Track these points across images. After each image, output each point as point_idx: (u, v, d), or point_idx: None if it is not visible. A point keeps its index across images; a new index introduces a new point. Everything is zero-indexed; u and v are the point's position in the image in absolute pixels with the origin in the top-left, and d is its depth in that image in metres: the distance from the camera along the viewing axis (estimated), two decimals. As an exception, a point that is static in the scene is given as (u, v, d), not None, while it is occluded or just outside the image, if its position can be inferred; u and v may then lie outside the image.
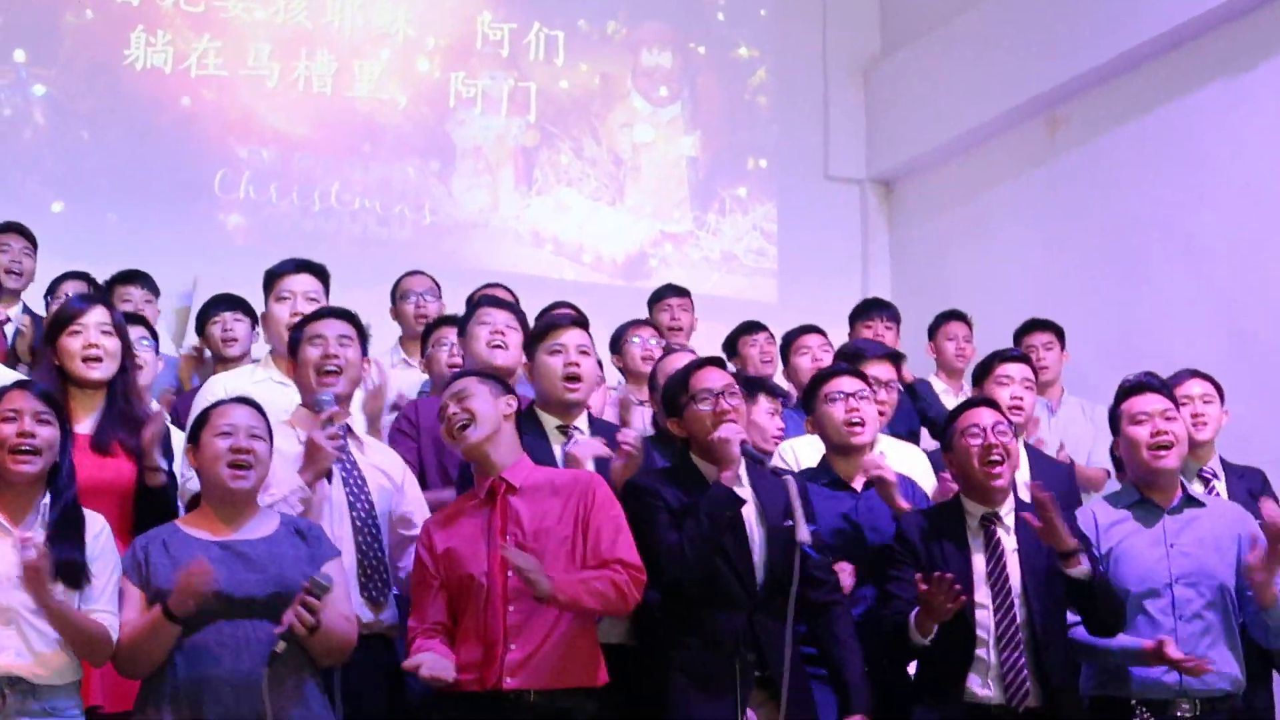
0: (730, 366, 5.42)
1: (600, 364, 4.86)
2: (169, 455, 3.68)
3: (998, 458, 3.71)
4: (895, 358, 4.57)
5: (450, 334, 4.61)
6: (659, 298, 6.12)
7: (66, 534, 3.15)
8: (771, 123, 8.31)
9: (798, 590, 3.44)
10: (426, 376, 4.97)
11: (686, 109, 8.14)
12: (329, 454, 3.49)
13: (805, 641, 3.67)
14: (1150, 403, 3.89)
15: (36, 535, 3.11)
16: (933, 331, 6.06)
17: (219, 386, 4.01)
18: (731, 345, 5.76)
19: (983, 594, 3.65)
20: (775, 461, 4.25)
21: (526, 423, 3.71)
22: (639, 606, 3.51)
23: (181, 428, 3.72)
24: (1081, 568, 3.56)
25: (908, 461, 4.33)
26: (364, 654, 3.42)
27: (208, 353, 5.36)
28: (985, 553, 3.70)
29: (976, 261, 7.63)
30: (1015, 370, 4.54)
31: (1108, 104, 6.94)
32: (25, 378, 3.58)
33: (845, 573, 3.78)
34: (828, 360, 4.93)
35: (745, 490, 3.59)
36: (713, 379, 3.64)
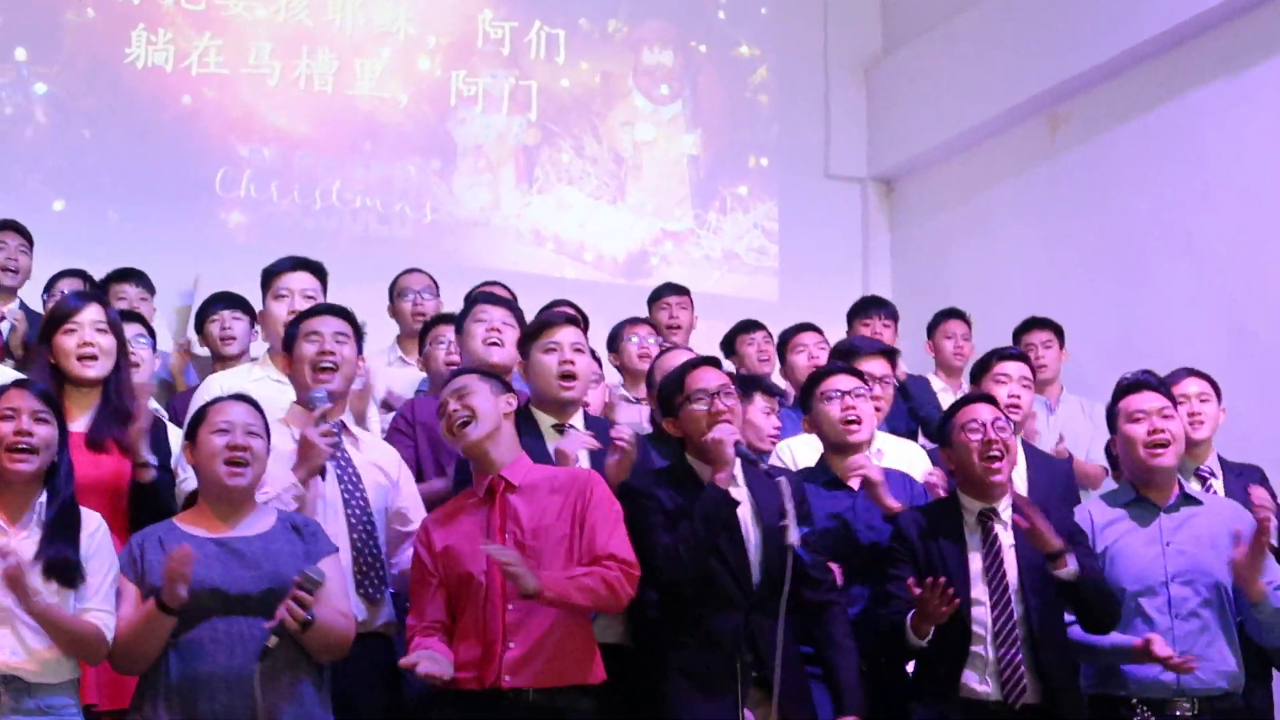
0: (729, 365, 5.44)
1: (600, 362, 4.88)
2: (163, 452, 3.69)
3: (997, 453, 3.71)
4: (889, 354, 4.57)
5: (448, 332, 4.61)
6: (658, 296, 6.11)
7: (61, 532, 3.15)
8: (772, 121, 8.30)
9: (794, 590, 3.44)
10: (423, 374, 4.98)
11: (687, 107, 8.14)
12: (322, 451, 3.49)
13: (804, 641, 3.67)
14: (1147, 401, 3.90)
15: (20, 542, 3.12)
16: (931, 330, 6.05)
17: (216, 385, 4.02)
18: (729, 344, 5.76)
19: (980, 590, 3.66)
20: (772, 461, 4.25)
21: (522, 421, 3.71)
22: (636, 607, 3.52)
23: (180, 426, 3.73)
24: (1068, 569, 3.56)
25: (906, 458, 4.33)
26: (361, 653, 3.42)
27: (195, 347, 5.37)
28: (983, 549, 3.71)
29: (977, 260, 7.62)
30: (1013, 369, 4.54)
31: (1109, 103, 6.93)
32: (24, 377, 3.57)
33: (834, 573, 3.78)
34: (824, 358, 4.92)
35: (741, 491, 3.60)
36: (708, 379, 3.64)
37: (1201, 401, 4.38)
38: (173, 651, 3.13)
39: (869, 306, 5.92)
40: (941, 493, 3.96)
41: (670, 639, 3.52)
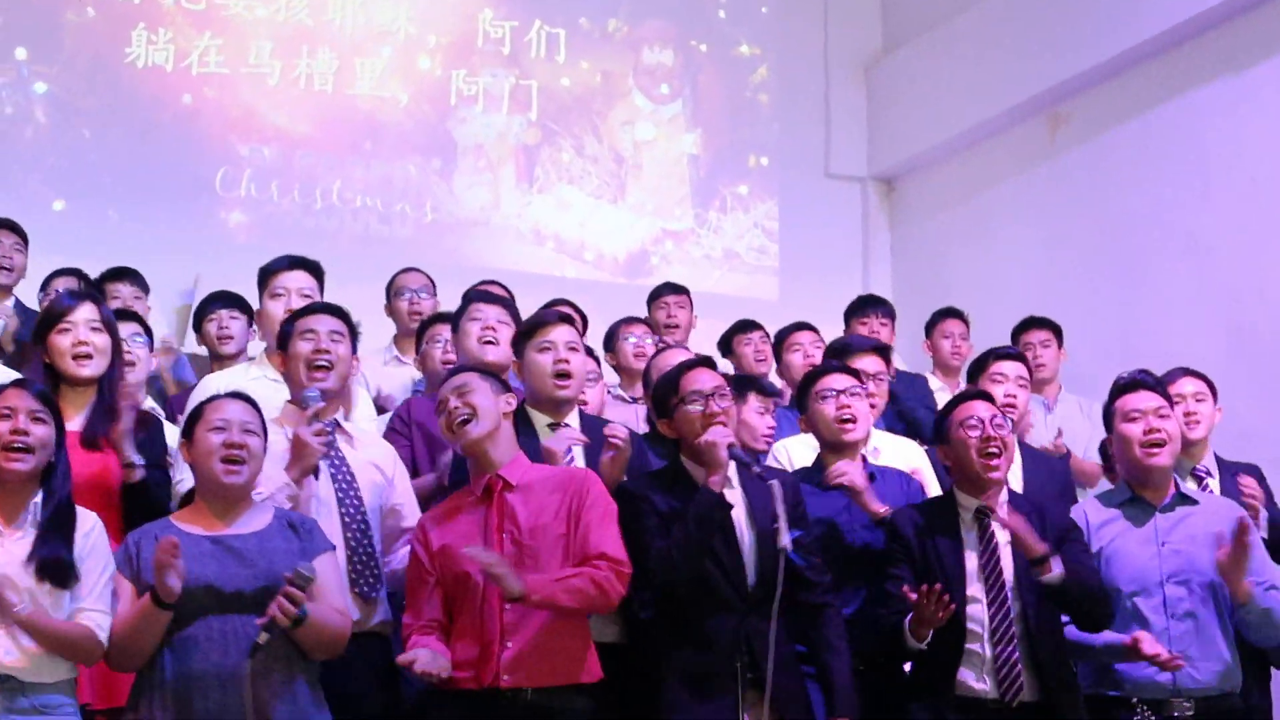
0: (727, 365, 5.44)
1: (598, 361, 4.88)
2: (160, 450, 3.69)
3: (995, 450, 3.72)
4: (883, 351, 4.56)
5: (444, 331, 4.61)
6: (656, 295, 6.12)
7: (56, 532, 3.15)
8: (773, 120, 8.31)
9: (789, 592, 3.44)
10: (418, 374, 4.98)
11: (688, 107, 8.14)
12: (315, 450, 3.48)
13: (801, 640, 3.67)
14: (1144, 400, 3.89)
15: (15, 542, 3.12)
16: (929, 329, 6.06)
17: (214, 385, 4.01)
18: (726, 344, 5.75)
19: (976, 588, 3.66)
20: (769, 461, 4.24)
21: (517, 420, 3.70)
22: (631, 611, 3.52)
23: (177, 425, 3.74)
24: (1052, 574, 3.56)
25: (904, 455, 4.33)
26: (357, 652, 3.42)
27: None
28: (979, 547, 3.70)
29: (977, 259, 7.62)
30: (1009, 368, 4.54)
31: (1109, 102, 6.92)
32: (22, 377, 3.57)
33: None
34: (820, 357, 4.92)
35: (735, 493, 3.59)
36: (703, 380, 3.63)
37: (1197, 401, 4.37)
38: (168, 650, 3.13)
39: (866, 305, 5.92)
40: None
41: (666, 641, 3.52)
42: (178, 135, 7.09)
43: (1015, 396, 4.47)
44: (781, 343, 5.35)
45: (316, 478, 3.54)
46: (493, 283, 5.15)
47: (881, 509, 3.85)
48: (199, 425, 3.31)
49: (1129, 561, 3.80)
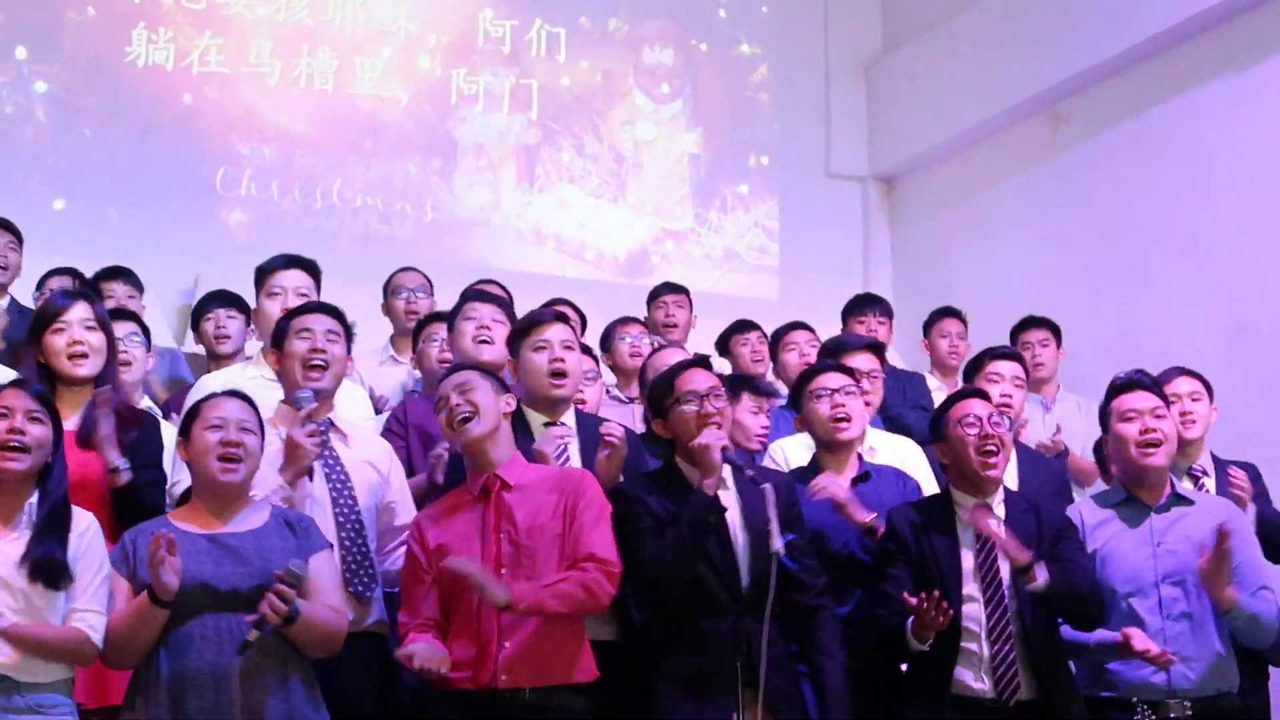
0: (726, 366, 5.44)
1: (597, 360, 4.88)
2: (156, 450, 3.69)
3: (993, 448, 3.72)
4: (876, 348, 4.55)
5: (441, 330, 4.61)
6: (655, 295, 6.12)
7: (50, 533, 3.15)
8: (773, 120, 8.30)
9: (784, 594, 3.45)
10: (415, 373, 4.98)
11: (688, 106, 8.14)
12: (308, 452, 3.48)
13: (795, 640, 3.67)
14: (1140, 400, 3.88)
15: (10, 543, 3.12)
16: (927, 329, 6.06)
17: (211, 384, 4.01)
18: (724, 344, 5.75)
19: (973, 587, 3.65)
20: (765, 461, 4.24)
21: (513, 420, 3.70)
22: (626, 610, 3.52)
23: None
24: (1038, 583, 3.55)
25: (900, 454, 4.32)
26: (354, 653, 3.42)
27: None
28: (975, 545, 3.70)
29: (978, 259, 7.62)
30: (1005, 368, 4.54)
31: (1109, 101, 6.92)
32: (20, 377, 3.57)
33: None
34: (815, 357, 4.91)
35: (730, 494, 3.59)
36: (698, 380, 3.63)
37: (1193, 400, 4.37)
38: (163, 648, 3.13)
39: (863, 304, 5.92)
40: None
41: (660, 642, 3.52)
42: (178, 135, 7.09)
43: (1011, 396, 4.47)
44: (777, 342, 5.35)
45: (311, 479, 3.54)
46: (491, 282, 5.15)
47: (867, 518, 3.84)
48: (196, 424, 3.32)
49: (1124, 562, 3.79)
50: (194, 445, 3.30)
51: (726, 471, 3.55)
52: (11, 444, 3.16)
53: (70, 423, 3.53)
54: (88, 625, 3.14)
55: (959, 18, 7.71)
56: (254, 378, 4.11)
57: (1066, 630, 3.73)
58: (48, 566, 3.10)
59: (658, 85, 8.10)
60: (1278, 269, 6.01)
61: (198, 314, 5.31)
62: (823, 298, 6.90)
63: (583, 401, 4.19)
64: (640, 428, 4.42)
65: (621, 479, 3.70)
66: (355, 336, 3.88)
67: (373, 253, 7.02)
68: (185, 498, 3.48)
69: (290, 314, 3.84)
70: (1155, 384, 4.00)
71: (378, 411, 4.56)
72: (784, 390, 5.09)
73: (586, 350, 4.54)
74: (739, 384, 4.29)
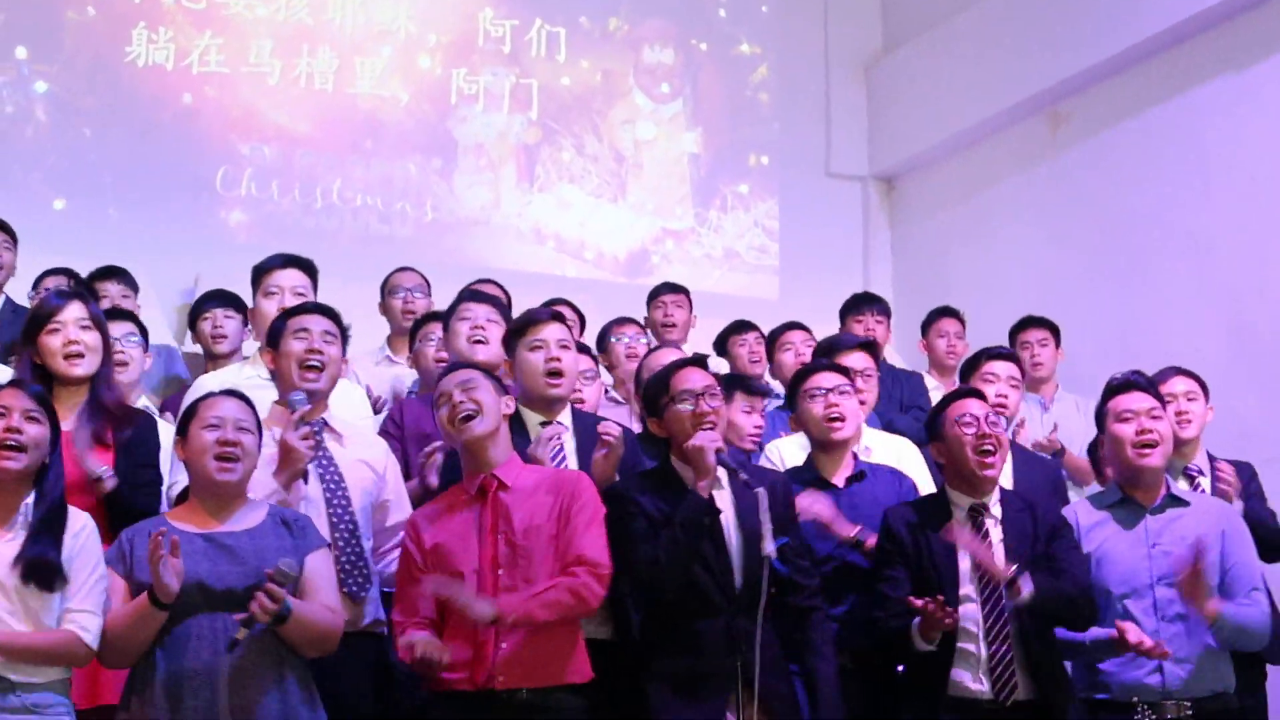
0: (723, 365, 5.43)
1: (596, 359, 4.88)
2: (154, 450, 3.69)
3: (990, 448, 3.71)
4: (870, 347, 4.55)
5: (437, 330, 4.61)
6: (654, 295, 6.13)
7: (45, 534, 3.14)
8: (773, 119, 8.30)
9: (778, 595, 3.45)
10: (411, 373, 4.98)
11: (688, 106, 8.14)
12: (302, 454, 3.48)
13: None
14: (1136, 401, 3.88)
15: (5, 544, 3.12)
16: (925, 328, 6.06)
17: (208, 384, 4.01)
18: (721, 344, 5.75)
19: (970, 587, 3.64)
20: (761, 461, 4.24)
21: (510, 420, 3.70)
22: (621, 612, 3.52)
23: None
24: (1023, 597, 3.54)
25: (895, 453, 4.32)
26: (350, 653, 3.42)
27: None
28: (974, 546, 3.69)
29: (978, 258, 7.61)
30: (1001, 368, 4.54)
31: (1110, 100, 6.91)
32: (18, 377, 3.57)
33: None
34: (811, 356, 4.91)
35: (724, 494, 3.59)
36: (693, 380, 3.63)
37: (1189, 400, 4.36)
38: (159, 648, 3.14)
39: (861, 303, 5.91)
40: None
41: (655, 643, 3.52)
42: (178, 134, 7.09)
43: (1006, 397, 4.46)
44: (774, 343, 5.35)
45: (305, 480, 3.54)
46: (489, 281, 5.15)
47: (852, 531, 3.83)
48: (193, 423, 3.32)
49: (1119, 564, 3.78)
50: (191, 444, 3.30)
51: (721, 471, 3.55)
52: (8, 443, 3.16)
53: (67, 423, 3.51)
54: (80, 626, 3.13)
55: (959, 17, 7.71)
56: (251, 377, 4.10)
57: (1061, 630, 3.72)
58: (40, 568, 3.10)
59: (658, 85, 8.09)
60: (1278, 269, 6.00)
61: (195, 313, 5.30)
62: (823, 297, 6.88)
63: (581, 401, 4.18)
64: (638, 428, 4.42)
65: (618, 478, 3.70)
66: (352, 337, 3.88)
67: (372, 252, 7.01)
68: (184, 498, 3.47)
69: (287, 313, 3.84)
70: (1151, 385, 3.99)
71: (376, 411, 4.56)
72: (779, 390, 5.11)
73: (585, 350, 4.54)
74: (732, 384, 4.28)
